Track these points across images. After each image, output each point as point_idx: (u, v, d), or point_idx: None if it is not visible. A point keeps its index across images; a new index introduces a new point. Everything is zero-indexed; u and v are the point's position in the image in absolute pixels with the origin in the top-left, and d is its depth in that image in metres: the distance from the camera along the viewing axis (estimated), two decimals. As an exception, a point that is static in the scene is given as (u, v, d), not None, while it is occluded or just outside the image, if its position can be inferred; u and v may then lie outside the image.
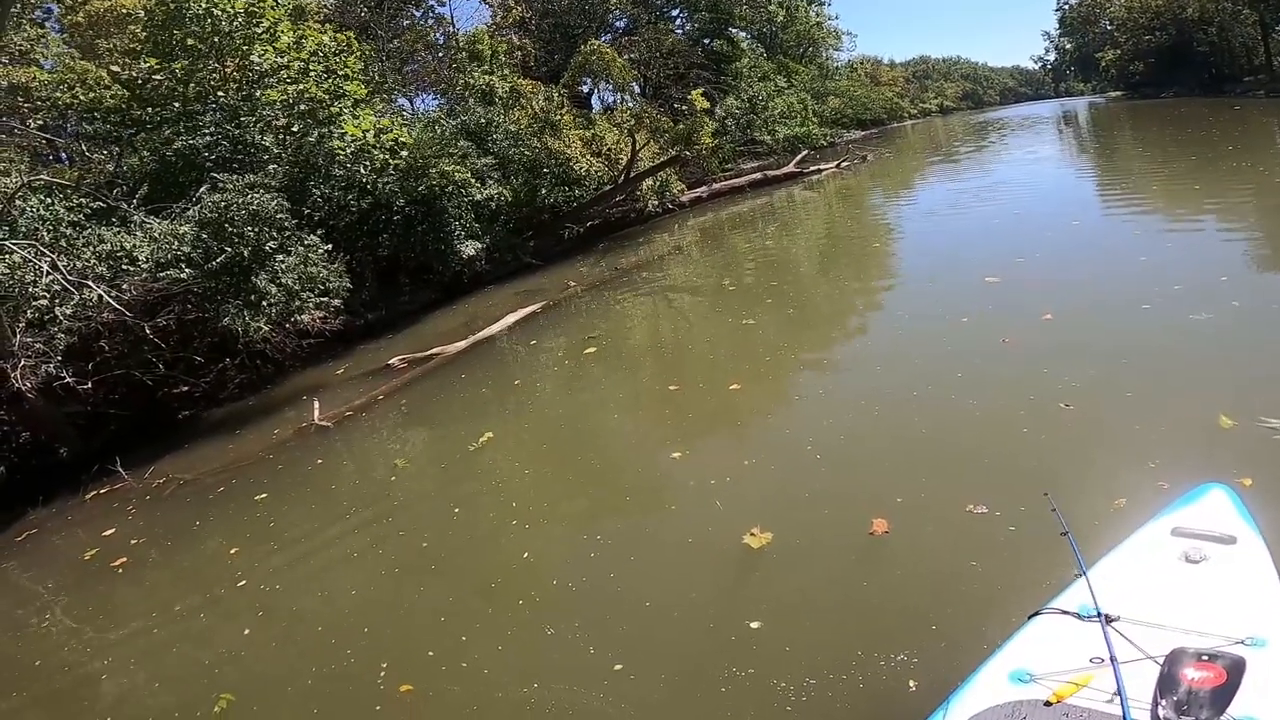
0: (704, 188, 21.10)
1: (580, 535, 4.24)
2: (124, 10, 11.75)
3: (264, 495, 5.62)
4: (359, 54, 12.26)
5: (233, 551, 4.83)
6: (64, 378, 6.43)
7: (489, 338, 9.24)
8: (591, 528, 4.30)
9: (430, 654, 3.36)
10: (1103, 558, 2.42)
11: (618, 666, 3.03)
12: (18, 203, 6.72)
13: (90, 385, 6.71)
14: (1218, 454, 3.55)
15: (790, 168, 23.90)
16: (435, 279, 12.70)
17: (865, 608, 3.12)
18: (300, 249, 8.35)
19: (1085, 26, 66.72)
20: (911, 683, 2.63)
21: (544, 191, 15.14)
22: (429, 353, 8.56)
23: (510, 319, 9.71)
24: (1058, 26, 73.54)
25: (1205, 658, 1.77)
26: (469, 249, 12.52)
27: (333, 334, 9.75)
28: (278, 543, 4.93)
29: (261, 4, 10.12)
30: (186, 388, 8.04)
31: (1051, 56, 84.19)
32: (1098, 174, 16.67)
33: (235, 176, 7.96)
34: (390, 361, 8.46)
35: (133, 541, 5.30)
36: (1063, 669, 1.91)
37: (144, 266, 7.01)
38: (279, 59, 10.32)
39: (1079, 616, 2.08)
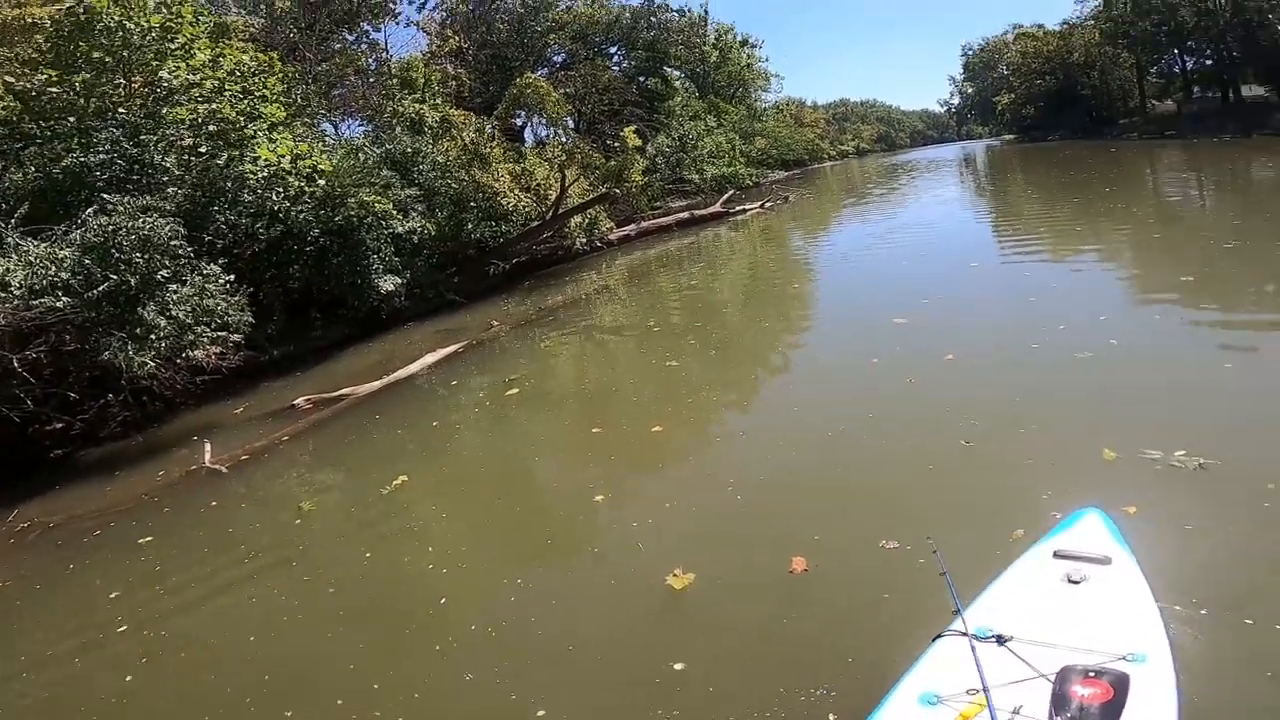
0: (632, 226, 21.55)
1: (500, 579, 4.16)
2: (31, 20, 11.01)
3: (149, 539, 5.30)
4: (281, 75, 11.91)
5: (112, 596, 4.55)
6: None
7: (406, 378, 9.00)
8: (512, 571, 4.23)
9: (339, 703, 3.26)
10: (995, 580, 2.61)
11: (540, 712, 2.98)
12: None
13: None
14: (1104, 485, 3.85)
15: (717, 207, 24.81)
16: (350, 314, 12.30)
17: (786, 644, 3.20)
18: (197, 279, 7.92)
19: (986, 71, 72.39)
20: (831, 716, 2.71)
21: (470, 226, 15.03)
22: (338, 393, 8.23)
23: (429, 359, 9.50)
24: (962, 71, 79.84)
25: (1092, 674, 1.91)
26: (388, 284, 12.22)
27: (232, 371, 9.23)
28: (164, 587, 4.65)
29: (178, 20, 9.74)
30: (60, 425, 7.40)
31: (956, 100, 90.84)
32: (993, 216, 18.39)
33: (128, 198, 7.49)
34: (295, 402, 8.09)
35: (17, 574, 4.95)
36: (965, 689, 2.03)
37: (15, 293, 6.45)
38: (191, 76, 9.91)
39: (977, 638, 2.21)
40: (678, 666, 3.12)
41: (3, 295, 6.43)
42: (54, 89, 9.20)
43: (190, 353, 7.87)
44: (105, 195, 7.49)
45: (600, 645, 3.40)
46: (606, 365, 9.37)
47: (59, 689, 3.75)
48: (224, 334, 8.16)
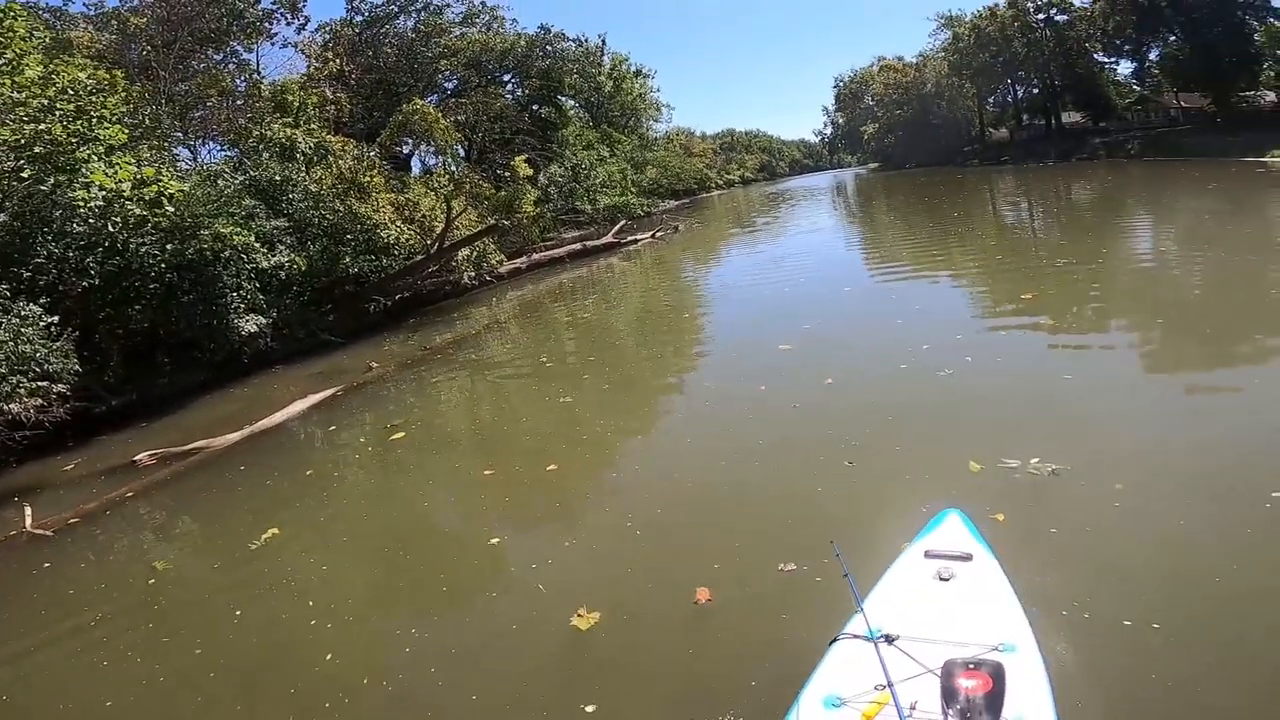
0: (524, 258, 21.50)
1: (393, 630, 4.02)
2: None
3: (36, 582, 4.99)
4: (124, 94, 10.96)
5: None
6: None
7: (276, 425, 8.43)
8: (405, 622, 4.09)
9: None
10: (878, 582, 2.82)
11: None
12: None
13: None
14: (973, 495, 4.27)
15: (609, 238, 25.31)
16: (207, 358, 11.37)
17: (694, 675, 3.29)
18: (12, 322, 7.07)
19: (854, 102, 79.09)
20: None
21: (347, 260, 14.38)
22: (190, 447, 7.60)
23: (298, 406, 8.96)
24: (834, 102, 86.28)
25: (971, 666, 2.07)
26: (250, 324, 11.43)
27: (58, 424, 8.25)
28: None
29: (9, 34, 8.78)
30: None
31: (829, 130, 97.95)
32: (862, 243, 20.69)
33: None
34: (137, 458, 7.40)
35: None
36: (864, 689, 2.19)
37: None
38: (16, 94, 8.91)
39: (868, 639, 2.37)
40: (588, 709, 3.13)
41: None
42: None
43: (4, 405, 6.97)
44: None
45: (508, 693, 3.37)
46: (498, 404, 9.27)
47: None
48: (44, 384, 7.29)
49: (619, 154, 38.78)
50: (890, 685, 2.09)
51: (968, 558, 2.80)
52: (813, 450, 5.45)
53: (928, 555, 2.85)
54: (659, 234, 27.45)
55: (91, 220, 9.53)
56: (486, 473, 6.23)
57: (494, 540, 4.85)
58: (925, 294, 10.89)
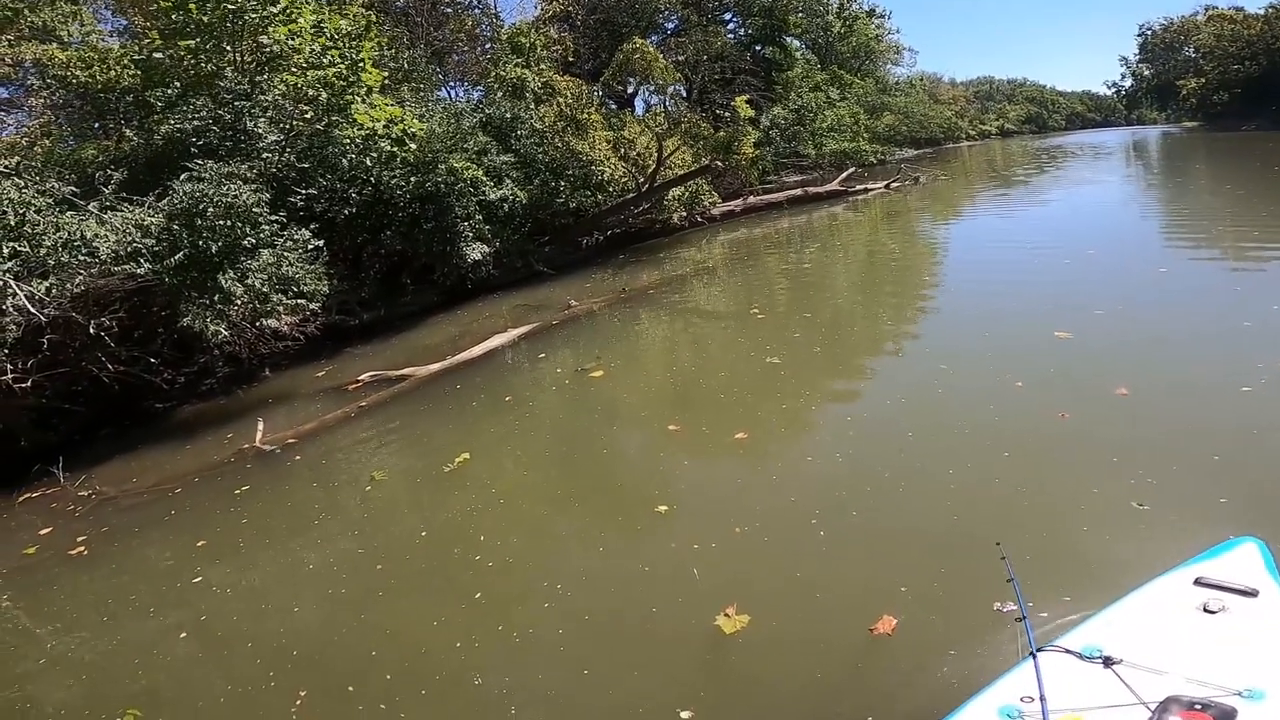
0: (739, 201, 20.76)
1: (540, 582, 3.96)
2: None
3: (241, 490, 5.76)
4: (377, 39, 12.19)
5: (169, 562, 4.87)
6: (5, 374, 6.37)
7: (486, 353, 9.02)
8: (551, 576, 4.02)
9: (350, 689, 3.30)
10: (1120, 600, 2.47)
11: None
12: None
13: (29, 384, 6.64)
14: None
15: (835, 185, 23.46)
16: (439, 281, 12.55)
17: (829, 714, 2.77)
18: (289, 243, 8.18)
19: (1167, 54, 66.71)
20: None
21: (564, 195, 14.93)
22: (400, 373, 8.30)
23: (496, 341, 9.38)
24: (1137, 52, 73.21)
25: (1198, 707, 1.86)
26: (475, 252, 12.35)
27: (312, 337, 9.59)
28: (246, 540, 5.05)
29: None
30: (165, 384, 8.02)
31: (1127, 83, 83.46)
32: (1183, 215, 14.85)
33: (218, 165, 7.80)
34: (361, 377, 8.25)
35: (80, 540, 5.27)
36: (1055, 708, 1.95)
37: (103, 259, 6.86)
38: (292, 42, 10.27)
39: (1081, 656, 2.17)
40: (684, 714, 2.84)
41: (89, 261, 6.83)
42: (157, 54, 9.77)
43: (263, 322, 8.16)
44: (198, 162, 7.82)
45: (614, 673, 3.21)
46: (699, 354, 8.89)
47: (115, 647, 3.99)
48: (302, 301, 8.39)
49: (850, 97, 35.73)
50: (1082, 710, 1.90)
51: (1251, 593, 2.36)
52: (1082, 477, 4.18)
53: (1198, 583, 2.45)
54: (894, 184, 24.78)
55: (353, 155, 10.80)
56: (671, 428, 5.95)
57: (662, 508, 4.55)
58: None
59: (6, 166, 7.30)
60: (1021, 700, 2.04)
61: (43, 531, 5.48)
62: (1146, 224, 14.36)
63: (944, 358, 6.72)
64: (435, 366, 8.47)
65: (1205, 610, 2.31)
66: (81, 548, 5.17)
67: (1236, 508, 3.63)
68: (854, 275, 12.42)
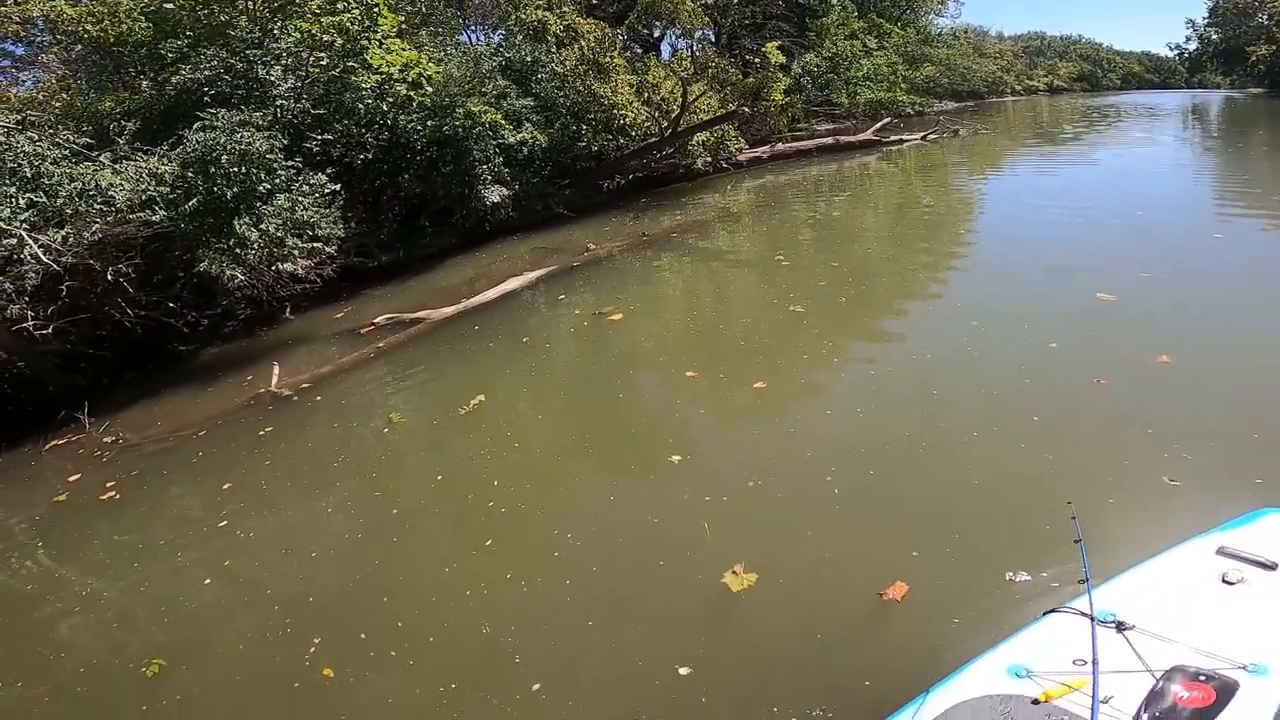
0: (766, 148, 20.11)
1: (549, 531, 3.94)
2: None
3: (265, 430, 5.81)
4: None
5: (196, 506, 4.90)
6: (27, 321, 6.38)
7: (507, 294, 8.94)
8: (561, 523, 4.01)
9: (362, 636, 3.31)
10: (1142, 563, 2.45)
11: (535, 686, 2.90)
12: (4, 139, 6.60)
13: (51, 330, 6.65)
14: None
15: (868, 135, 22.58)
16: (458, 223, 12.40)
17: (832, 684, 2.73)
18: (305, 188, 8.07)
19: (1239, 19, 63.68)
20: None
21: (586, 138, 14.58)
22: (415, 315, 8.25)
23: (512, 284, 9.24)
24: (1206, 16, 69.87)
25: (1201, 678, 1.86)
26: (494, 195, 12.15)
27: (329, 279, 9.54)
28: (268, 480, 5.09)
29: None
30: (188, 327, 8.07)
31: (1192, 45, 79.62)
32: (1243, 181, 13.70)
33: (227, 113, 7.66)
34: (377, 320, 8.22)
35: (109, 486, 5.30)
36: (1063, 669, 1.98)
37: (119, 207, 6.81)
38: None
39: (1094, 619, 2.15)
40: (683, 671, 2.84)
41: (105, 209, 6.77)
42: (169, 4, 9.51)
43: (280, 265, 8.11)
44: (210, 111, 7.68)
45: (615, 626, 3.19)
46: (720, 299, 8.70)
47: (136, 595, 4.01)
48: (317, 244, 8.30)
49: (889, 47, 34.03)
50: (1095, 667, 1.89)
51: (1271, 566, 2.32)
52: (1114, 448, 3.99)
53: (1220, 552, 2.42)
54: (931, 135, 23.79)
55: (369, 100, 10.55)
56: (689, 374, 5.85)
57: (675, 457, 4.48)
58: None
59: (17, 121, 7.24)
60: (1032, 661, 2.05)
61: (72, 478, 5.49)
62: (1200, 188, 13.51)
63: (976, 314, 6.47)
64: (449, 310, 8.39)
65: (1224, 581, 2.30)
66: (113, 492, 5.13)
67: (1272, 489, 3.43)
68: (884, 226, 12.00)
